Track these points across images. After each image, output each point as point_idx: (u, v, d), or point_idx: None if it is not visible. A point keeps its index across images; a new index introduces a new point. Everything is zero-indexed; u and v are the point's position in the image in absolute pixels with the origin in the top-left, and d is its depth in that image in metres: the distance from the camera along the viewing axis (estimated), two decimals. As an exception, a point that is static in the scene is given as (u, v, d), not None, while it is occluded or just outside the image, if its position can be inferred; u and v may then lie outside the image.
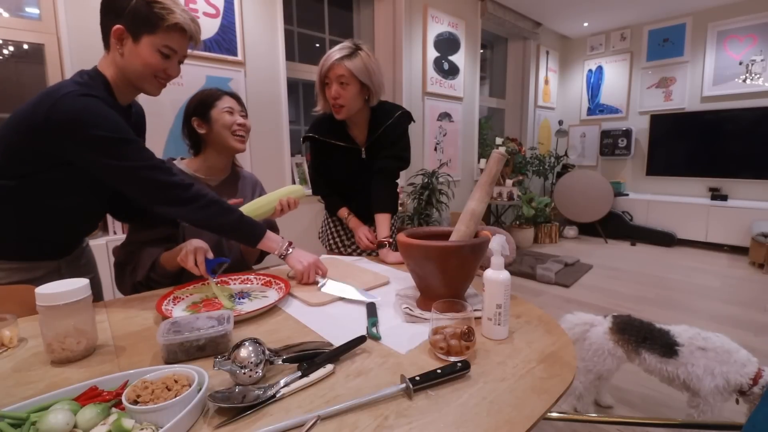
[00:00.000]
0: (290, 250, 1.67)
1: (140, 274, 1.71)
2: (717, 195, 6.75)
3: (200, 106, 1.87)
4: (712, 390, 2.02)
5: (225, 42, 3.65)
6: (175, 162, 1.94)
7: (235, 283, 1.65)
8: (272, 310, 1.42)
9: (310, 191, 1.73)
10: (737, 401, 2.04)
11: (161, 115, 3.36)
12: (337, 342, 1.11)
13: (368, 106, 2.19)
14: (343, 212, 2.36)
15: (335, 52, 2.00)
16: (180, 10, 1.42)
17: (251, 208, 1.79)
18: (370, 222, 2.36)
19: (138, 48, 1.41)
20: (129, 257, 1.76)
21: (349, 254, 2.40)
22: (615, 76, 7.98)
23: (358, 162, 2.27)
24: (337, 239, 2.46)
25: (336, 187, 2.37)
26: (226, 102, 1.86)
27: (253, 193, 2.08)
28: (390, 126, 2.21)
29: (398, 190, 3.71)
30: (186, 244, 1.58)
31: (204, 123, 1.86)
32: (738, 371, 2.01)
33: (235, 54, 3.72)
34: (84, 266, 1.79)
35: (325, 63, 2.02)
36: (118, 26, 1.39)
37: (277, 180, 4.17)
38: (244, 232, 1.59)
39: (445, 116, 6.00)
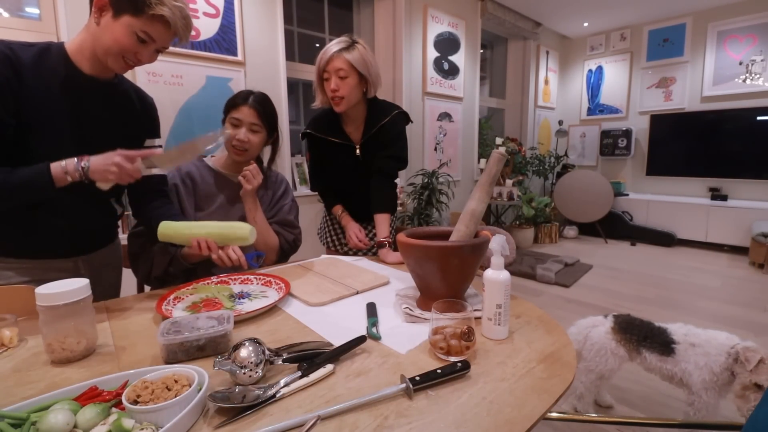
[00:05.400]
0: (86, 163, 1.33)
1: (157, 270, 1.76)
2: (717, 195, 6.75)
3: (225, 108, 1.95)
4: (701, 384, 2.03)
5: (225, 42, 3.64)
6: (205, 159, 2.04)
7: (235, 283, 1.64)
8: (272, 310, 1.42)
9: (249, 235, 1.58)
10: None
11: (161, 115, 3.28)
12: (337, 342, 1.11)
13: (365, 100, 2.20)
14: (337, 209, 2.36)
15: (333, 46, 2.02)
16: (172, 5, 1.37)
17: (170, 224, 1.59)
18: (366, 221, 2.37)
19: (115, 24, 1.35)
20: (142, 248, 1.80)
21: (346, 252, 2.40)
22: (615, 76, 7.98)
23: (352, 159, 2.26)
24: (335, 237, 2.46)
25: (332, 185, 2.38)
26: (238, 113, 1.88)
27: (274, 193, 2.11)
28: (386, 124, 2.21)
29: (398, 190, 3.69)
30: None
31: (223, 124, 1.95)
32: (717, 357, 2.01)
33: (235, 54, 3.71)
34: (107, 266, 1.78)
35: (324, 57, 2.03)
36: None
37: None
38: (26, 186, 1.33)
39: (445, 116, 6.00)
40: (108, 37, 1.37)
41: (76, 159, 1.34)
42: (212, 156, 2.07)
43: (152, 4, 1.34)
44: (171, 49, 3.28)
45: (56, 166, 1.32)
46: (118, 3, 1.34)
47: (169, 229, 1.56)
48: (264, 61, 3.96)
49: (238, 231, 1.58)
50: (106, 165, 1.34)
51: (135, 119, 1.66)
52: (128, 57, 1.42)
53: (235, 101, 1.90)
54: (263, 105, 1.93)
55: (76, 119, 1.46)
